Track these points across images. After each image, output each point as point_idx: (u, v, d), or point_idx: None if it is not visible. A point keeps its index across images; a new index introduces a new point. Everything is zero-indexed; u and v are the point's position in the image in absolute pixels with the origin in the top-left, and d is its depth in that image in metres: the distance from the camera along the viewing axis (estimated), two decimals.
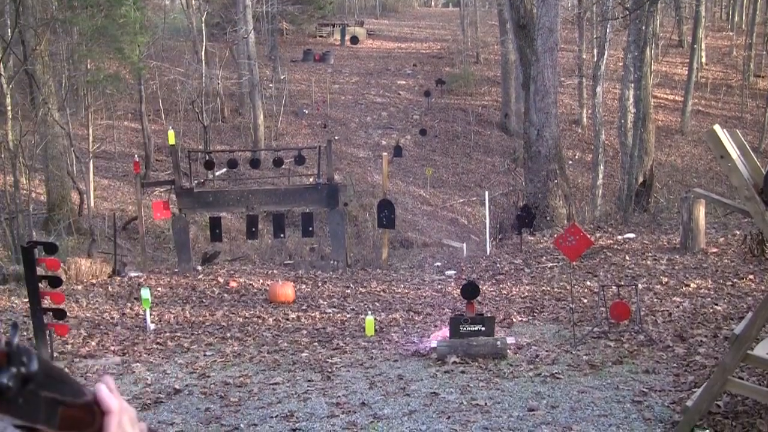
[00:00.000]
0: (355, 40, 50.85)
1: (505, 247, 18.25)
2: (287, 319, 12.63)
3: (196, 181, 18.35)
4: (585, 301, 12.15)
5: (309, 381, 8.93)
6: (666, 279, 12.91)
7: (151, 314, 12.49)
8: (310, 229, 17.67)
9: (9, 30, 23.52)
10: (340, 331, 11.61)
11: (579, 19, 38.08)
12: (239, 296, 14.59)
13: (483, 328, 9.45)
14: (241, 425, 7.45)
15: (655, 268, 13.84)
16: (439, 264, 17.85)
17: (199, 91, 32.19)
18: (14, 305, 13.66)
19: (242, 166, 23.29)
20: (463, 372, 8.85)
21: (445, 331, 10.77)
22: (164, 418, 7.87)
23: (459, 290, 11.27)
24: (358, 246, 23.47)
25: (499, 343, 9.38)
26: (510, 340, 9.83)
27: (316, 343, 10.93)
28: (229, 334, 11.76)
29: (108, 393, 1.11)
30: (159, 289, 15.13)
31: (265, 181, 24.55)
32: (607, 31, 27.34)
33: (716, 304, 11.11)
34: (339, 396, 8.18)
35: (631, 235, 16.67)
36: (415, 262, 19.30)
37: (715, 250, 14.64)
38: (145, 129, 31.53)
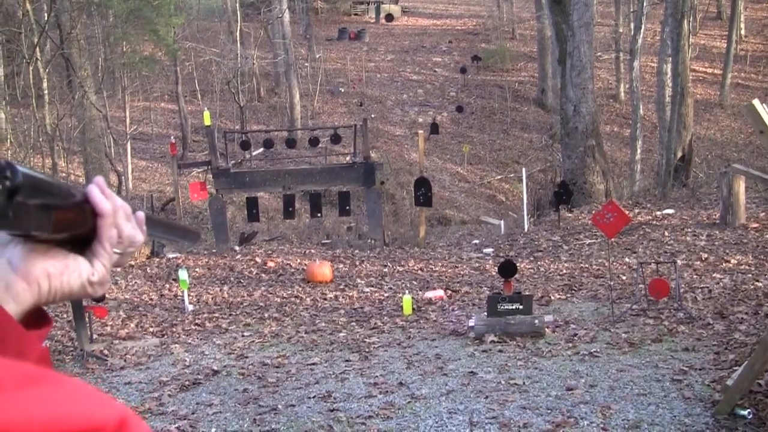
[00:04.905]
0: (390, 17, 50.55)
1: (543, 224, 18.16)
2: (325, 299, 12.66)
3: (232, 162, 18.38)
4: (624, 278, 12.07)
5: (347, 361, 8.95)
6: (706, 255, 12.78)
7: (189, 295, 12.57)
8: (347, 208, 17.66)
9: (45, 14, 23.67)
10: (378, 311, 11.62)
11: None
12: (277, 276, 14.63)
13: (521, 307, 9.41)
14: (279, 406, 7.47)
15: (694, 244, 13.71)
16: (476, 242, 17.79)
17: (234, 71, 32.15)
18: None
19: (278, 145, 23.33)
20: (500, 351, 8.83)
21: (439, 292, 12.29)
22: (203, 399, 7.92)
23: (497, 268, 11.24)
24: (395, 224, 23.45)
25: (537, 321, 9.35)
26: (548, 318, 9.79)
27: (353, 323, 10.95)
28: (266, 315, 11.81)
29: (100, 195, 1.10)
30: (197, 269, 15.20)
31: (302, 160, 24.52)
32: (644, 4, 27.05)
33: (757, 281, 10.99)
34: (377, 376, 8.19)
35: (670, 211, 16.52)
36: (452, 240, 19.25)
37: (755, 225, 14.46)
38: (181, 110, 31.65)
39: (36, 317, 1.04)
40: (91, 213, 1.09)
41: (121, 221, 1.13)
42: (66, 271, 1.05)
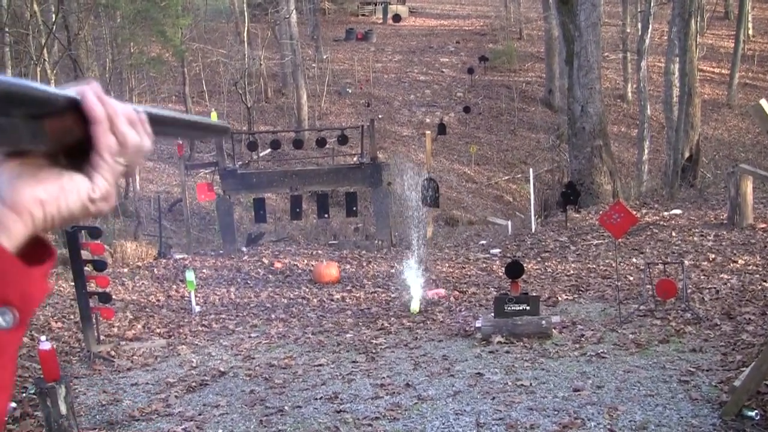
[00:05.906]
0: (397, 18, 50.58)
1: (550, 225, 18.14)
2: (332, 300, 12.66)
3: (239, 163, 18.38)
4: (631, 278, 12.05)
5: (353, 362, 8.95)
6: (713, 255, 12.75)
7: (196, 296, 12.58)
8: (354, 208, 17.68)
9: (53, 15, 23.70)
10: (385, 311, 11.62)
11: None
12: (284, 277, 14.64)
13: (528, 308, 9.40)
14: (286, 407, 7.47)
15: (702, 244, 13.68)
16: (484, 242, 17.77)
17: (241, 72, 32.17)
18: (62, 288, 13.79)
19: (286, 146, 23.29)
20: (507, 352, 8.82)
21: (440, 290, 12.52)
22: (209, 400, 7.92)
23: (504, 269, 11.24)
24: (402, 225, 23.45)
25: (544, 322, 9.34)
26: (555, 319, 9.77)
27: (360, 324, 10.95)
28: (273, 316, 11.83)
29: (94, 99, 0.95)
30: (204, 270, 15.22)
31: (309, 161, 24.51)
32: (652, 4, 26.99)
33: (765, 281, 10.97)
34: (383, 377, 8.18)
35: (678, 211, 16.50)
36: (459, 240, 19.23)
37: (763, 225, 14.43)
38: (188, 111, 31.62)
39: (37, 251, 0.94)
40: (81, 116, 0.96)
41: (123, 127, 0.99)
42: (61, 194, 0.94)
